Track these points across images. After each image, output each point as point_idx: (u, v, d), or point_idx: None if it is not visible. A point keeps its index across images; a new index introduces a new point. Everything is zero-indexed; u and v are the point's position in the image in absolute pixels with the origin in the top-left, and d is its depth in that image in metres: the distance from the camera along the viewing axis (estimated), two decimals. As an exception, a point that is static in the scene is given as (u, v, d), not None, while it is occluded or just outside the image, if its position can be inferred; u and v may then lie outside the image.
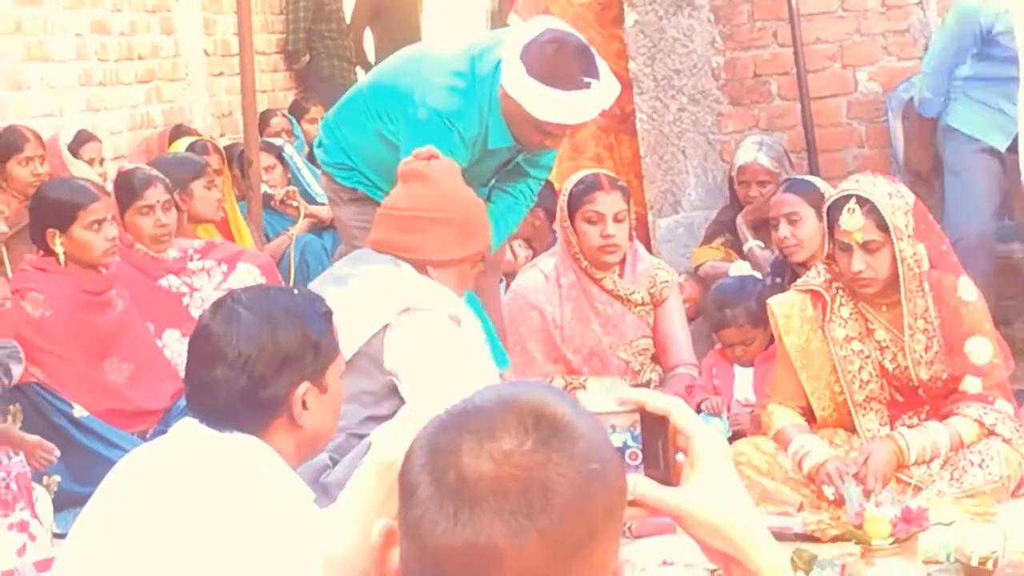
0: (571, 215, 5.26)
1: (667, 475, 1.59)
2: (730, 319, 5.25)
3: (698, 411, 5.15)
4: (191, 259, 5.62)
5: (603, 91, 4.44)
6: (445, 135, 4.50)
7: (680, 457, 1.60)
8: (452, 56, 4.64)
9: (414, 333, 3.90)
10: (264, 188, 7.12)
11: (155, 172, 5.72)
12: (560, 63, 4.37)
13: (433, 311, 3.90)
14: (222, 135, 8.53)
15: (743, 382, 5.27)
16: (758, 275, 5.51)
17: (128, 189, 5.51)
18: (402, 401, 3.85)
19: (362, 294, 3.95)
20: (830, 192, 5.27)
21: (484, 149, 4.62)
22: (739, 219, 6.12)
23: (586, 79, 4.38)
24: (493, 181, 4.89)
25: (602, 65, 4.48)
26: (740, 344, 5.26)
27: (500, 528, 1.29)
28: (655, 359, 5.39)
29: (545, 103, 4.36)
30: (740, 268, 5.66)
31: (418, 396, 3.70)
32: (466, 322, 4.02)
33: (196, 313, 5.34)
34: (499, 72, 4.49)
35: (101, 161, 6.86)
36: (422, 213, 4.09)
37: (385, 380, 3.90)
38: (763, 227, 6.03)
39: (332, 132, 4.88)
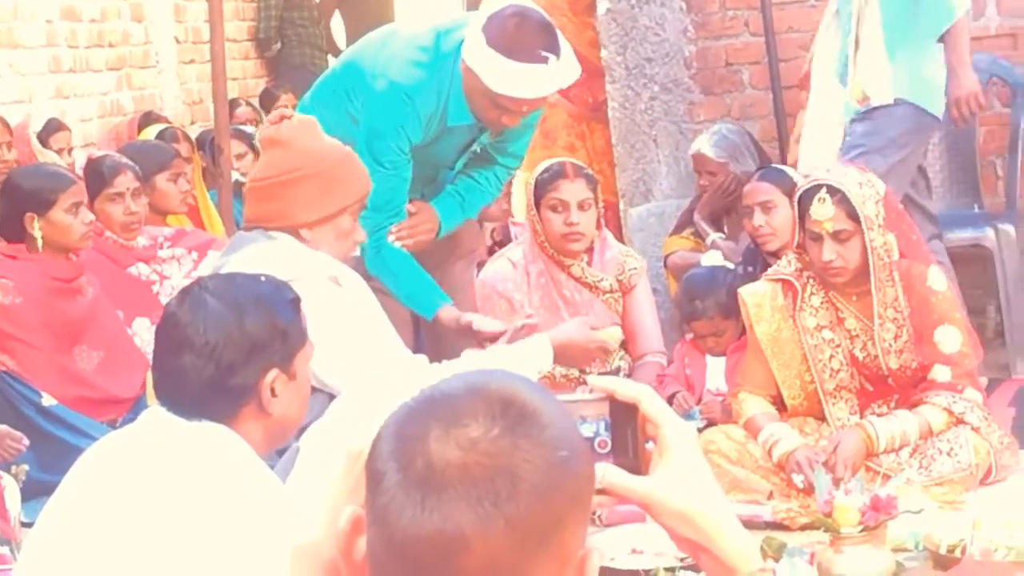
0: (537, 203, 5.26)
1: (636, 463, 1.59)
2: (700, 311, 5.23)
3: (670, 403, 5.15)
4: (161, 247, 5.60)
5: (561, 69, 4.38)
6: (400, 108, 4.47)
7: (649, 445, 1.60)
8: (419, 32, 4.61)
9: None
10: (235, 176, 7.09)
11: (124, 159, 5.70)
12: (520, 35, 4.32)
13: (303, 279, 3.64)
14: (193, 123, 8.51)
15: (715, 372, 5.27)
16: (729, 265, 5.51)
17: (98, 176, 5.50)
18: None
19: None
20: (801, 181, 5.28)
21: (443, 126, 4.58)
22: (696, 214, 6.11)
23: (544, 54, 4.32)
24: (460, 166, 4.85)
25: (564, 45, 4.44)
26: (711, 335, 5.26)
27: (467, 515, 1.28)
28: (623, 347, 5.38)
29: (501, 74, 4.30)
30: (712, 258, 5.66)
31: (322, 371, 3.57)
32: (345, 278, 3.91)
33: (166, 301, 5.33)
34: (456, 49, 4.47)
35: (70, 150, 6.83)
36: (280, 178, 3.93)
37: None
38: (721, 218, 6.05)
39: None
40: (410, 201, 4.70)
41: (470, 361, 3.92)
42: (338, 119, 4.62)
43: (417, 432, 1.32)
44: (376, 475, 1.34)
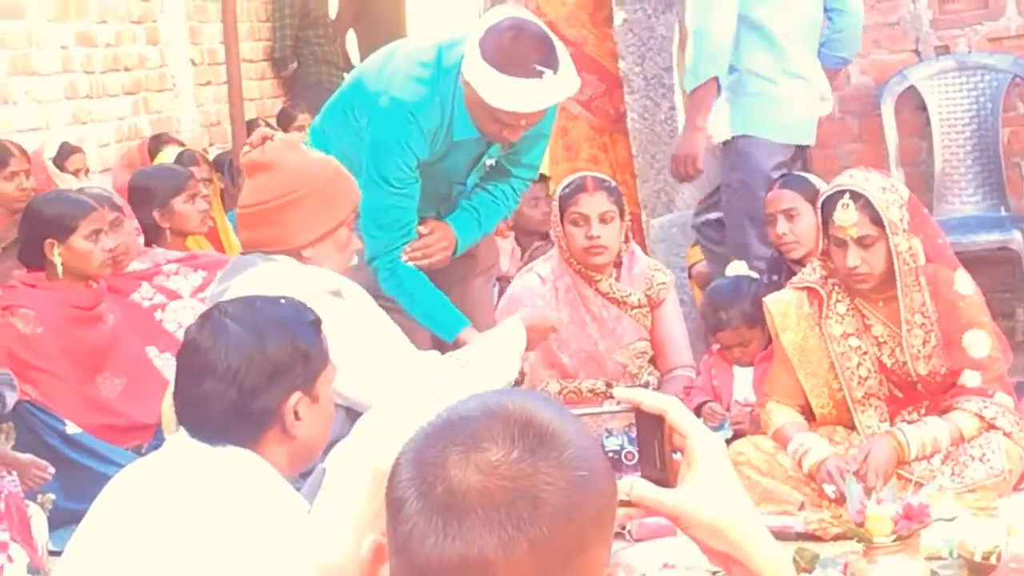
0: (561, 218, 5.24)
1: (664, 475, 1.57)
2: (725, 321, 5.18)
3: (697, 414, 5.12)
4: (166, 265, 5.59)
5: (558, 82, 4.31)
6: (404, 126, 4.44)
7: (677, 456, 1.58)
8: (420, 48, 4.58)
9: None
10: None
11: (99, 190, 5.67)
12: (515, 50, 4.26)
13: (306, 298, 3.71)
14: (211, 144, 8.51)
15: (742, 382, 5.23)
16: (754, 275, 5.48)
17: None
18: None
19: None
20: (824, 187, 5.25)
21: (450, 141, 4.55)
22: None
23: (540, 68, 4.26)
24: (474, 181, 4.82)
25: (563, 57, 4.37)
26: (737, 346, 5.21)
27: (490, 540, 1.27)
28: (652, 362, 5.35)
29: (496, 89, 4.26)
30: (736, 268, 5.62)
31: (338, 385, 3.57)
32: (346, 290, 3.88)
33: (172, 326, 5.33)
34: (449, 69, 4.45)
35: (87, 171, 6.82)
36: (271, 203, 3.88)
37: None
38: None
39: (318, 137, 4.81)
40: (423, 220, 4.67)
41: (456, 358, 3.98)
42: (348, 139, 4.61)
43: (436, 457, 1.31)
44: (396, 503, 1.32)
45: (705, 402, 5.16)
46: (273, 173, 3.90)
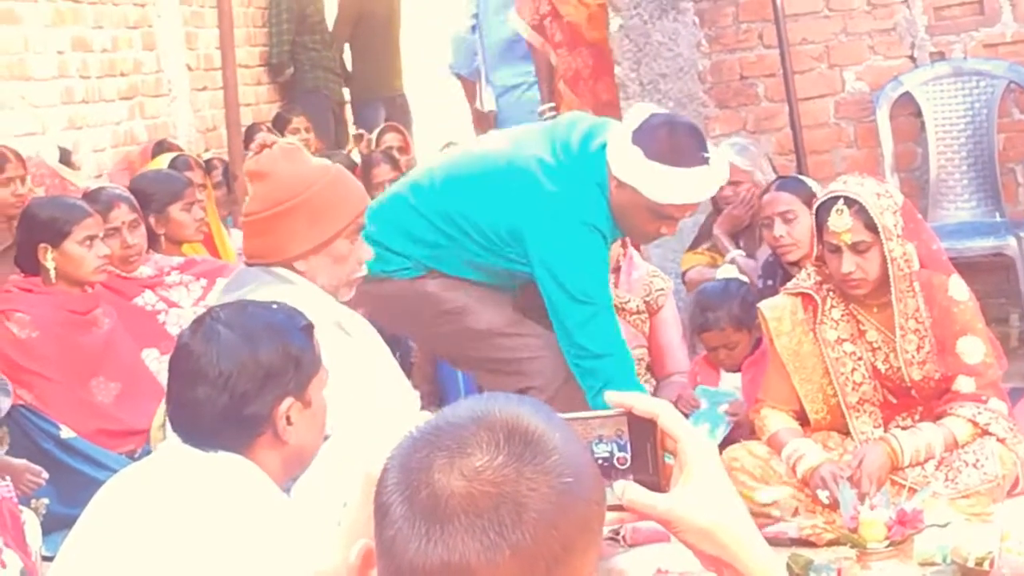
0: None
1: (656, 479, 1.57)
2: (712, 322, 5.18)
3: (675, 404, 5.13)
4: (168, 274, 5.59)
5: (720, 164, 4.39)
6: (600, 245, 4.37)
7: (669, 460, 1.58)
8: (556, 163, 4.45)
9: None
10: (250, 202, 7.08)
11: (119, 191, 5.68)
12: (678, 142, 4.28)
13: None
14: (207, 150, 8.49)
15: (728, 387, 5.23)
16: (743, 279, 5.48)
17: None
18: None
19: None
20: (819, 191, 5.26)
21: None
22: (715, 229, 6.05)
23: (704, 154, 4.31)
24: None
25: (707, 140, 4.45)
26: (723, 348, 5.21)
27: (472, 546, 1.26)
28: (649, 368, 5.35)
29: (670, 184, 4.25)
30: (727, 271, 5.62)
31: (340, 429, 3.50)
32: (351, 324, 3.79)
33: (174, 330, 5.31)
34: (597, 169, 4.37)
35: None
36: (267, 212, 3.81)
37: None
38: (741, 235, 5.99)
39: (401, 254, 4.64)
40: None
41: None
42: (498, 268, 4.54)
43: (421, 463, 1.31)
44: (382, 507, 1.32)
45: (680, 395, 5.17)
46: (267, 183, 3.83)
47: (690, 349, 5.62)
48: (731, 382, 5.20)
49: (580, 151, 4.42)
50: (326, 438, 3.12)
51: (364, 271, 3.94)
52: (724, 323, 5.14)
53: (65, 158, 6.63)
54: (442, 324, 4.62)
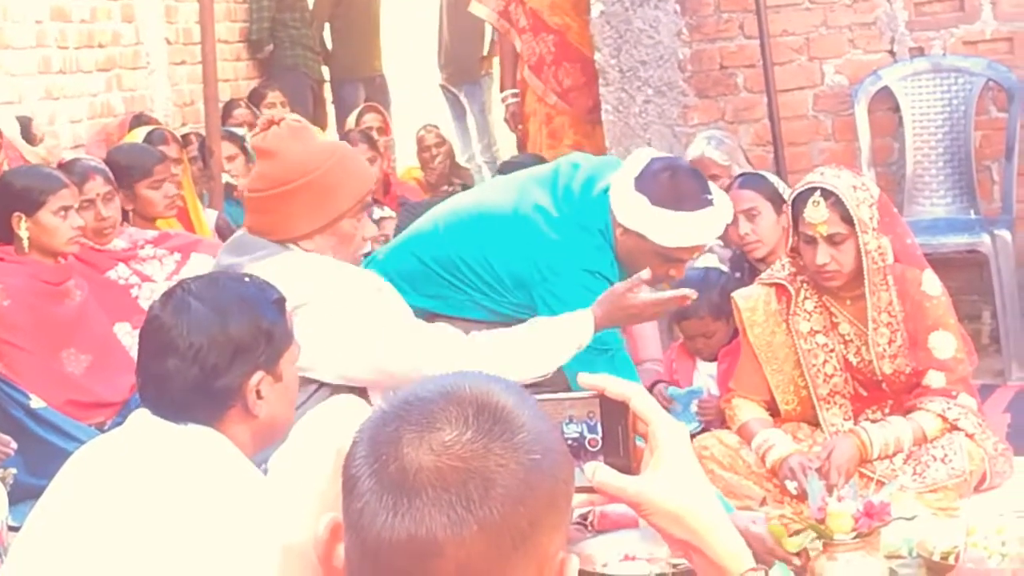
0: None
1: (627, 462, 1.58)
2: (691, 310, 5.16)
3: (651, 392, 5.14)
4: (142, 248, 5.57)
5: (725, 204, 4.39)
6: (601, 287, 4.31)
7: (640, 443, 1.58)
8: (564, 216, 4.43)
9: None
10: (226, 178, 7.06)
11: (95, 163, 5.66)
12: (680, 186, 4.28)
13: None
14: (184, 124, 8.46)
15: (704, 377, 5.24)
16: (723, 268, 5.48)
17: None
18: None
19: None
20: (781, 186, 5.28)
21: None
22: None
23: (708, 196, 4.31)
24: None
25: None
26: (701, 336, 5.21)
27: (439, 520, 1.27)
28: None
29: (677, 228, 4.26)
30: (707, 260, 5.62)
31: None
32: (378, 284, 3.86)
33: (147, 304, 5.28)
34: (600, 215, 4.37)
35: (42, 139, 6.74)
36: (272, 191, 3.82)
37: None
38: None
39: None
40: None
41: (502, 337, 3.93)
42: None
43: (390, 437, 1.31)
44: (350, 481, 1.32)
45: (657, 382, 5.17)
46: (273, 161, 3.84)
47: (664, 335, 5.62)
48: (707, 371, 5.21)
49: (582, 197, 4.42)
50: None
51: (368, 248, 3.95)
52: (704, 311, 5.13)
53: (25, 129, 6.56)
54: None
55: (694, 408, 5.10)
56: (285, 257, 3.77)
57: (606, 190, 4.38)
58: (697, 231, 4.29)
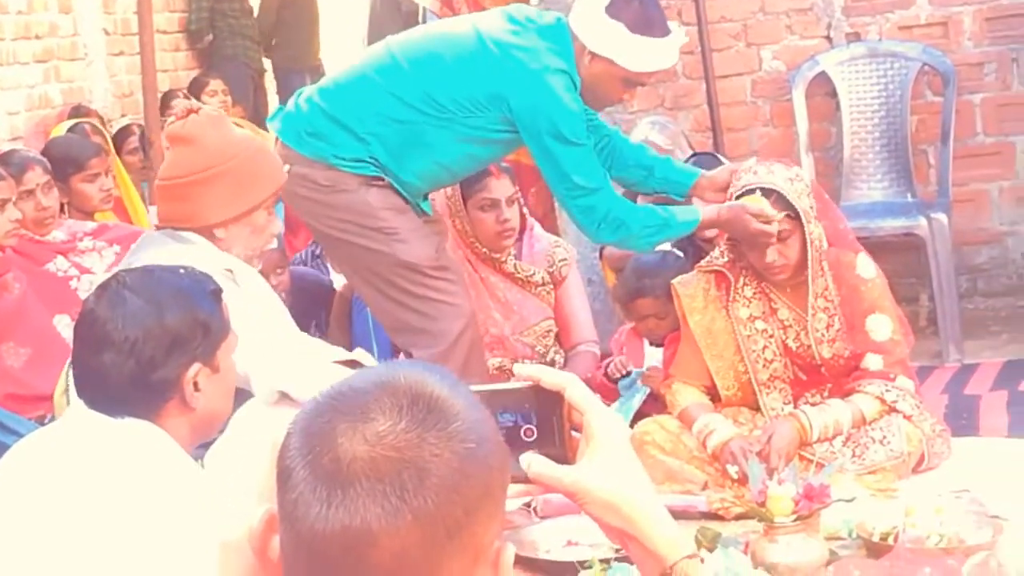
0: (464, 204, 5.22)
1: (563, 452, 1.58)
2: (648, 288, 5.15)
3: (606, 371, 5.16)
4: (81, 240, 5.53)
5: (679, 31, 4.58)
6: (573, 91, 4.52)
7: (576, 434, 1.59)
8: (532, 27, 4.59)
9: None
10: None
11: (33, 154, 5.63)
12: (650, 14, 4.50)
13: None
14: (123, 115, 8.41)
15: (652, 360, 5.25)
16: (679, 253, 5.49)
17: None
18: None
19: None
20: (732, 166, 5.28)
21: None
22: (639, 202, 6.05)
23: (669, 24, 4.54)
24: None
25: None
26: (653, 316, 5.19)
27: (373, 510, 1.26)
28: (557, 338, 5.36)
29: (648, 54, 4.46)
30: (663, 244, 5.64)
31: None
32: (242, 273, 3.81)
33: (86, 292, 5.25)
34: (559, 39, 4.52)
35: None
36: (189, 178, 3.82)
37: None
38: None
39: (355, 135, 4.62)
40: None
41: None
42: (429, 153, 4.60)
43: (324, 428, 1.30)
44: (285, 472, 1.32)
45: (610, 361, 5.18)
46: (191, 148, 3.83)
47: (615, 324, 5.62)
48: (655, 357, 5.21)
49: (541, 22, 4.59)
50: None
51: (275, 244, 3.95)
52: (659, 291, 5.11)
53: None
54: (371, 240, 4.62)
55: (639, 382, 5.10)
56: (162, 251, 3.72)
57: (560, 19, 4.58)
58: (664, 57, 4.53)
